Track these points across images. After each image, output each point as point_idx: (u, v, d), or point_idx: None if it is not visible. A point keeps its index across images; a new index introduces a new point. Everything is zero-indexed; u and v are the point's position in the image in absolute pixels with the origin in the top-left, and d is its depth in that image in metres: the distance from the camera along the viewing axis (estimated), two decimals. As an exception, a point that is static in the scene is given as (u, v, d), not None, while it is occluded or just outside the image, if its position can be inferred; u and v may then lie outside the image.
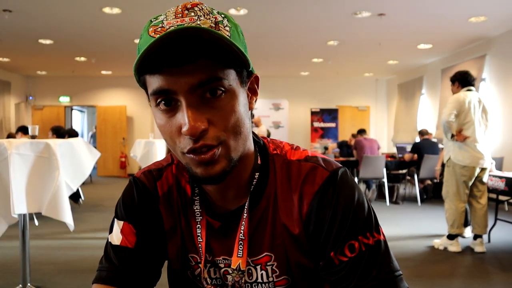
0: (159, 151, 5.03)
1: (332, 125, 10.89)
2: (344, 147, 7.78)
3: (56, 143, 2.42)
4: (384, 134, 11.28)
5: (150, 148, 5.09)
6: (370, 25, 5.96)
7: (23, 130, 5.66)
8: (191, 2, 0.60)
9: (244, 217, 0.70)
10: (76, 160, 2.70)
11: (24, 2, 5.03)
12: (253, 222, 0.71)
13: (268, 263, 0.71)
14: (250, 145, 0.70)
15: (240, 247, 0.70)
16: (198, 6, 0.59)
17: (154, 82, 0.59)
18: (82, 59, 8.50)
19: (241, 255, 0.71)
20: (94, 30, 6.34)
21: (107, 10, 5.32)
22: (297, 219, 0.69)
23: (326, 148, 9.24)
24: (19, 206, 2.20)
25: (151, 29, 0.58)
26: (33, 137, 2.58)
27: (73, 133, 6.86)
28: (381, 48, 7.37)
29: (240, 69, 0.62)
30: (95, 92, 10.94)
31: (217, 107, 0.59)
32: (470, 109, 3.61)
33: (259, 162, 0.72)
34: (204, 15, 0.58)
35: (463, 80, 3.73)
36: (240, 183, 0.70)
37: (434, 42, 7.07)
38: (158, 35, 0.56)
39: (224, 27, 0.59)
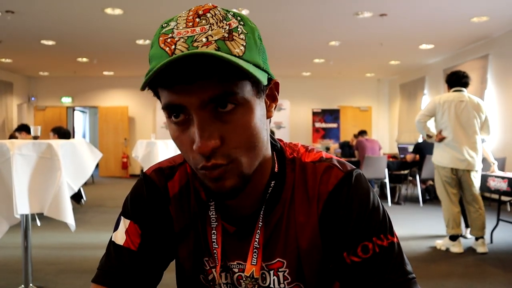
0: (160, 152, 5.03)
1: (334, 125, 10.88)
2: (345, 147, 7.78)
3: (58, 144, 2.42)
4: (386, 135, 11.27)
5: (152, 149, 5.10)
6: (371, 25, 5.96)
7: (24, 129, 5.66)
8: (203, 6, 0.58)
9: (260, 225, 0.69)
10: (78, 161, 2.70)
11: (26, 3, 5.05)
12: (268, 228, 0.70)
13: (280, 269, 0.70)
14: (267, 152, 0.68)
15: (255, 255, 0.69)
16: (211, 11, 0.57)
17: (166, 96, 0.57)
18: (84, 59, 8.52)
19: (255, 263, 0.69)
20: (96, 31, 6.35)
21: (109, 11, 5.33)
22: (313, 221, 0.68)
23: (327, 149, 9.23)
24: (22, 206, 2.21)
25: (161, 38, 0.56)
26: (35, 137, 2.58)
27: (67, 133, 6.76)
28: (383, 49, 7.37)
29: (255, 80, 0.58)
30: (97, 92, 10.96)
31: (230, 122, 0.57)
32: (446, 110, 3.59)
33: (275, 169, 0.70)
34: (217, 23, 0.56)
35: (449, 81, 3.72)
36: (256, 190, 0.69)
37: (436, 42, 7.06)
38: (167, 48, 0.55)
39: (239, 35, 0.56)
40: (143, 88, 0.57)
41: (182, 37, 0.55)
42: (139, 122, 11.00)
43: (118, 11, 5.36)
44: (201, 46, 0.54)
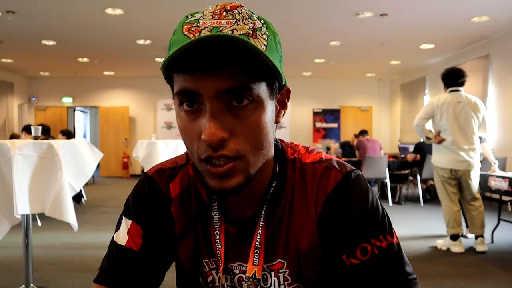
0: (161, 152, 5.03)
1: (335, 125, 10.88)
2: (346, 147, 7.78)
3: (59, 144, 2.43)
4: (387, 135, 11.26)
5: (152, 149, 5.10)
6: (372, 25, 5.96)
7: (26, 129, 5.69)
8: (231, 3, 0.58)
9: (261, 225, 0.69)
10: (79, 161, 2.70)
11: (27, 3, 5.05)
12: (269, 228, 0.70)
13: (280, 270, 0.70)
14: (271, 153, 0.68)
15: (256, 256, 0.69)
16: (238, 9, 0.58)
17: (182, 81, 0.57)
18: (85, 60, 8.53)
19: (256, 264, 0.69)
20: (97, 31, 6.36)
21: (109, 11, 5.34)
22: (311, 222, 0.68)
23: (328, 149, 9.23)
24: (22, 206, 2.21)
25: (186, 26, 0.56)
26: (36, 137, 2.58)
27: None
28: (383, 48, 7.36)
29: (272, 81, 0.60)
30: (97, 92, 10.96)
31: (241, 117, 0.57)
32: (444, 112, 3.58)
33: (277, 169, 0.70)
34: (242, 20, 0.56)
35: (445, 80, 3.68)
36: (258, 191, 0.69)
37: (436, 42, 7.06)
38: (191, 35, 0.54)
39: (262, 35, 0.57)
40: (162, 68, 0.56)
41: (207, 27, 0.55)
42: (139, 122, 11.00)
43: (118, 11, 5.37)
44: None
